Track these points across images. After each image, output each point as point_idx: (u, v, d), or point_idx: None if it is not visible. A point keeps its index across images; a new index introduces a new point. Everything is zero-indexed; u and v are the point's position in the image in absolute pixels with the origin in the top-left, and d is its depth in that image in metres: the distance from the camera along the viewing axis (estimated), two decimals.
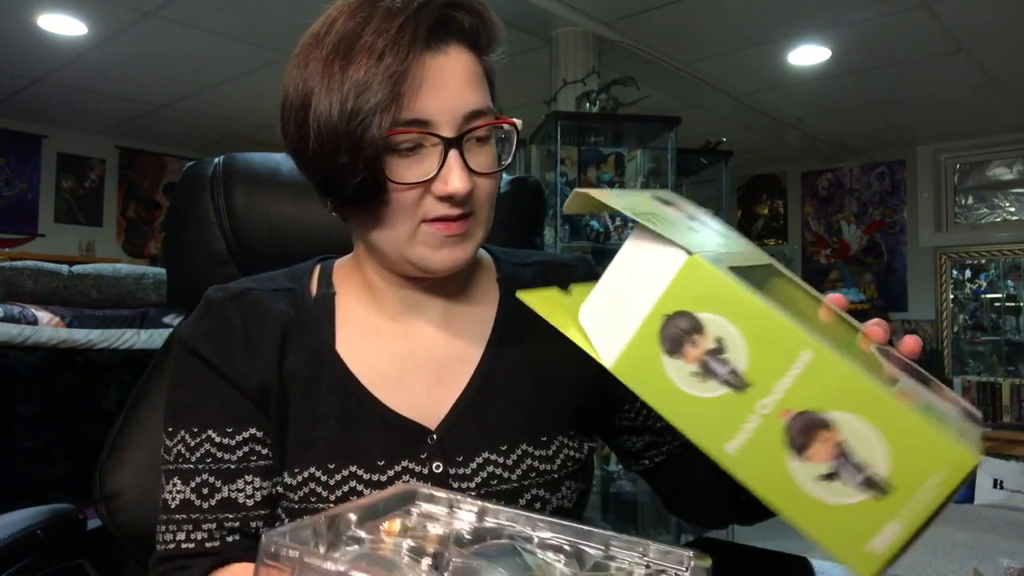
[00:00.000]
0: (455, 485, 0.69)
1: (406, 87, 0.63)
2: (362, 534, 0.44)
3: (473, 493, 0.70)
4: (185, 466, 0.68)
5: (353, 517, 0.45)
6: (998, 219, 5.20)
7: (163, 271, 2.47)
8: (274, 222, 0.96)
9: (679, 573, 0.41)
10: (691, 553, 0.42)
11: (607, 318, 0.42)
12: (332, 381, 0.70)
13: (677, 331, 0.39)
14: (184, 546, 0.67)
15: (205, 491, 0.68)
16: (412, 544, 0.43)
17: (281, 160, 0.99)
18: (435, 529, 0.47)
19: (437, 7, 0.64)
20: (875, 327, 0.49)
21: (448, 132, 0.64)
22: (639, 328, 0.40)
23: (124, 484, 0.90)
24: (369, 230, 0.69)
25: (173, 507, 0.68)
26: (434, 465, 0.69)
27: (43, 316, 2.60)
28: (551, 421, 0.74)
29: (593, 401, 0.78)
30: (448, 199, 0.64)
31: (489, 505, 0.49)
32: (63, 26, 3.38)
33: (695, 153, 3.71)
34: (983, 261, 5.21)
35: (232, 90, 4.22)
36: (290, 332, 0.72)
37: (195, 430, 0.69)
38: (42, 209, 5.14)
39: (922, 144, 5.31)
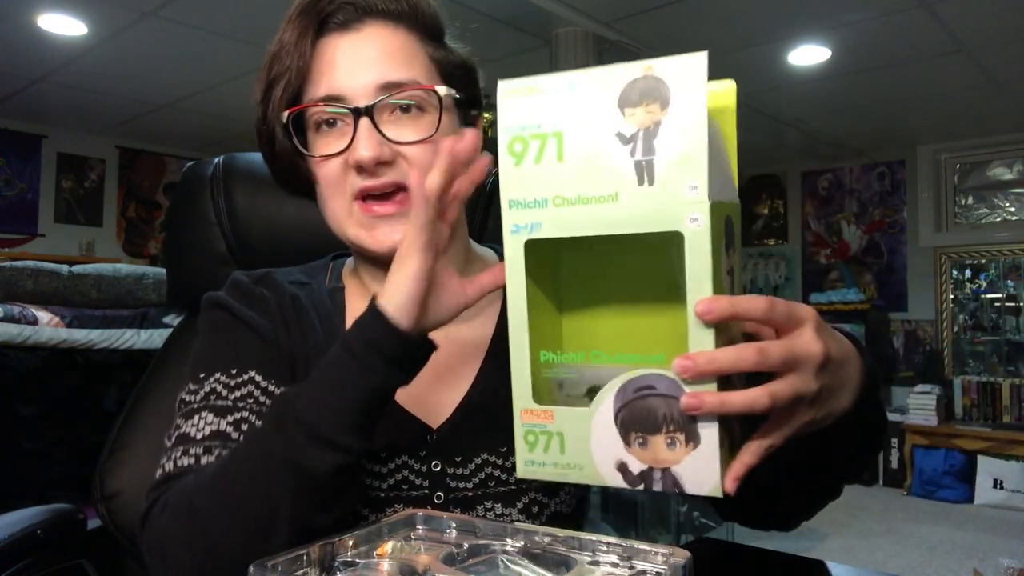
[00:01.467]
0: (452, 484, 0.70)
1: (311, 64, 0.67)
2: (357, 559, 0.45)
3: (470, 493, 0.70)
4: (220, 403, 0.65)
5: (350, 542, 0.46)
6: (998, 219, 5.20)
7: (163, 271, 2.47)
8: (274, 222, 0.96)
9: (660, 572, 0.43)
10: (670, 551, 0.43)
11: None
12: None
13: None
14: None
15: (244, 427, 0.64)
16: (403, 566, 0.44)
17: None
18: (429, 550, 0.47)
19: None
20: (700, 304, 0.43)
21: (361, 104, 0.65)
22: None
23: (124, 484, 0.90)
24: (323, 216, 0.71)
25: (199, 436, 0.64)
26: (432, 463, 0.69)
27: (43, 316, 2.60)
28: None
29: None
30: (359, 169, 0.65)
31: (483, 521, 0.50)
32: (63, 26, 3.38)
33: None
34: (983, 261, 5.20)
35: (232, 90, 4.21)
36: (305, 317, 0.73)
37: (234, 371, 0.67)
38: (42, 209, 5.14)
39: (922, 144, 5.31)
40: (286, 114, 0.67)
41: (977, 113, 4.53)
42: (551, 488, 0.73)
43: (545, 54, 3.48)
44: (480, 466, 0.71)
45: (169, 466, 0.63)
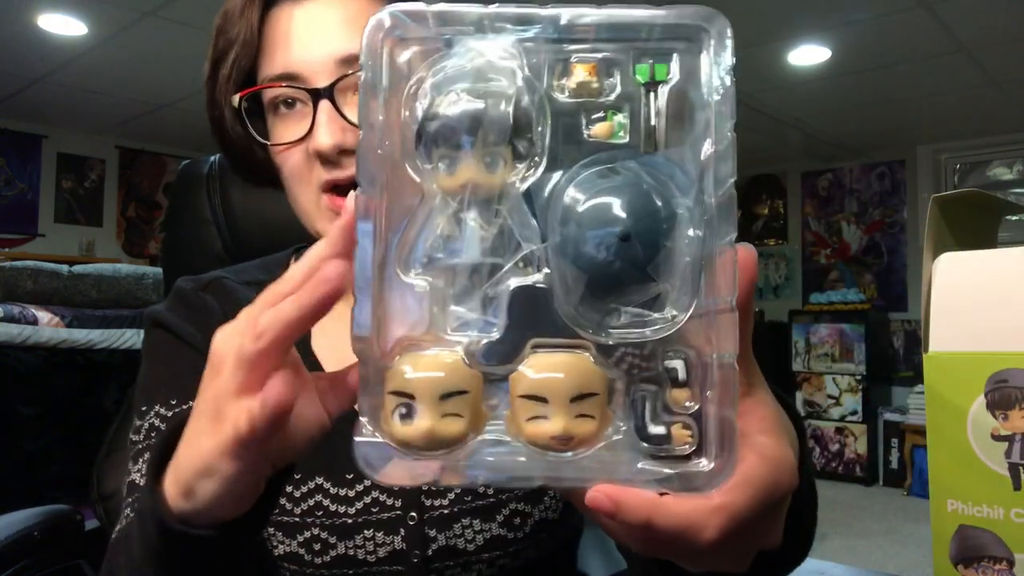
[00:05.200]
0: (427, 503, 0.63)
1: (262, 38, 0.59)
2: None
3: (446, 511, 0.64)
4: None
5: None
6: None
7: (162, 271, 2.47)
8: (270, 220, 0.96)
9: None
10: None
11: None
12: None
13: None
14: None
15: None
16: None
17: None
18: None
19: None
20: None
21: (320, 83, 0.57)
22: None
23: (122, 484, 0.90)
24: (293, 209, 0.64)
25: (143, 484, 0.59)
26: None
27: (43, 316, 2.60)
28: None
29: None
30: (322, 158, 0.57)
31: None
32: (63, 26, 3.37)
33: None
34: None
35: None
36: None
37: (173, 402, 0.62)
38: (42, 209, 5.14)
39: (922, 144, 5.30)
40: (237, 97, 0.59)
41: (977, 113, 4.52)
42: (534, 495, 0.66)
43: None
44: None
45: (123, 522, 0.57)
